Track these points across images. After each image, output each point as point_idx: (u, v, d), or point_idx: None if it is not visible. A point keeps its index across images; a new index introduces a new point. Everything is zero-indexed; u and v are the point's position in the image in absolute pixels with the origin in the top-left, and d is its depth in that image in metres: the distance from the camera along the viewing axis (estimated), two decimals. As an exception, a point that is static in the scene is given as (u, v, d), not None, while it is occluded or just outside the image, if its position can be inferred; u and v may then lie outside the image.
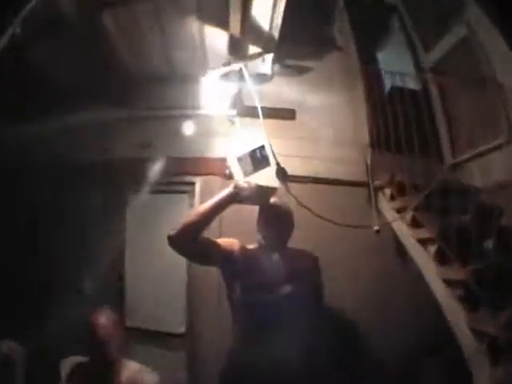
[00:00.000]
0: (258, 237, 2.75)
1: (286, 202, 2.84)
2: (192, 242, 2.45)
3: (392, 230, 3.85)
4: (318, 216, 2.74)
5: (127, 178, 3.93)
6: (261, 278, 2.57)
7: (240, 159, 2.75)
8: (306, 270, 2.69)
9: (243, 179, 2.68)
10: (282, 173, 2.69)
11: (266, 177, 2.72)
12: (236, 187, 2.60)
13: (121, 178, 3.92)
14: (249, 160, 2.74)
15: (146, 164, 3.90)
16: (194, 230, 2.45)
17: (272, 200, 2.78)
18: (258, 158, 2.74)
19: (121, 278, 3.91)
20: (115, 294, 3.83)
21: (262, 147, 2.74)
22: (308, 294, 2.64)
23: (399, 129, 3.95)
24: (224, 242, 2.67)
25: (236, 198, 2.59)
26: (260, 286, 2.54)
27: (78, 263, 3.66)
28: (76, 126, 3.82)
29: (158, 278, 3.88)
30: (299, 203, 2.69)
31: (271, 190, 2.73)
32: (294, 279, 2.60)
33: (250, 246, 2.74)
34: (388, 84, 4.48)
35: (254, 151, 2.75)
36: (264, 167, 2.72)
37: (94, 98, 3.84)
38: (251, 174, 2.71)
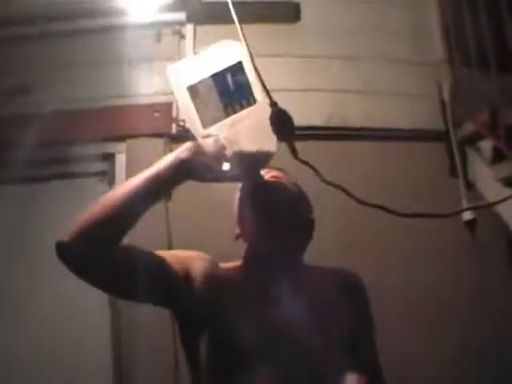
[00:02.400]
0: (247, 246, 1.88)
1: (293, 178, 1.90)
2: (104, 251, 1.61)
3: (497, 219, 2.78)
4: (360, 202, 1.59)
5: None
6: (252, 323, 1.72)
7: (195, 92, 1.71)
8: (340, 304, 1.81)
9: (204, 132, 1.68)
10: (281, 122, 1.60)
11: (250, 130, 1.69)
12: (191, 147, 1.66)
13: None
14: (213, 92, 1.69)
15: (17, 125, 2.82)
16: (106, 231, 1.60)
17: (265, 174, 1.85)
18: (230, 89, 1.65)
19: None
20: None
21: (238, 66, 1.67)
22: (344, 349, 1.77)
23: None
24: (179, 256, 1.80)
25: (191, 168, 1.64)
26: (252, 341, 1.69)
27: None
28: None
29: (47, 337, 2.83)
30: (324, 180, 1.58)
31: (263, 157, 1.73)
32: (318, 324, 1.73)
33: (229, 265, 1.85)
34: None
35: (221, 74, 1.67)
36: (244, 106, 1.67)
37: None
38: (220, 120, 1.68)
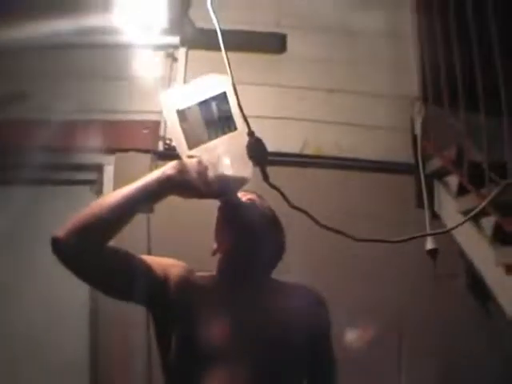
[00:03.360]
0: (219, 257, 2.00)
1: (267, 203, 2.02)
2: (93, 250, 1.74)
3: (460, 250, 2.90)
4: (321, 226, 1.69)
5: None
6: (219, 327, 1.85)
7: (183, 116, 1.83)
8: (302, 320, 1.93)
9: (189, 153, 1.83)
10: (256, 150, 1.75)
11: (230, 155, 1.83)
12: (177, 165, 1.77)
13: None
14: (199, 118, 1.81)
15: (8, 131, 2.91)
16: (97, 231, 1.74)
17: (242, 196, 1.99)
18: (215, 116, 1.79)
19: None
20: None
21: (223, 96, 1.81)
22: (302, 356, 1.92)
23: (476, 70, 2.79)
24: (159, 261, 1.93)
25: (176, 184, 1.77)
26: (221, 347, 1.81)
27: None
28: None
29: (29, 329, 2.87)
30: (291, 205, 1.70)
31: (239, 181, 1.87)
32: (281, 337, 1.87)
33: (204, 274, 2.00)
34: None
35: (207, 102, 1.81)
36: (225, 132, 1.81)
37: None
38: (203, 143, 1.82)
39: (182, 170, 1.79)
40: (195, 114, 1.83)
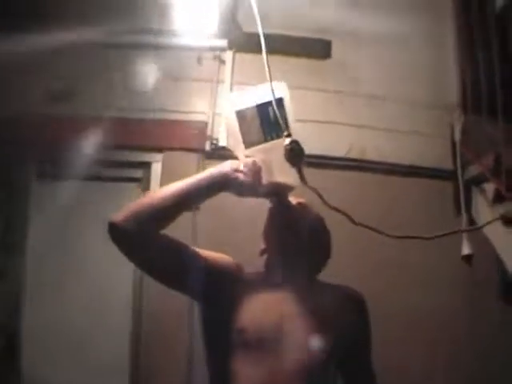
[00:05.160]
0: (267, 256, 2.08)
1: (313, 208, 2.08)
2: (148, 236, 1.86)
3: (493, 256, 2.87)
4: (361, 225, 1.79)
5: (28, 151, 3.00)
6: (268, 328, 1.91)
7: (242, 116, 1.91)
8: (342, 315, 2.01)
9: (245, 152, 1.92)
10: (294, 153, 1.82)
11: (282, 158, 1.85)
12: (233, 164, 1.89)
13: (17, 151, 2.98)
14: (256, 120, 1.89)
15: (60, 127, 2.97)
16: (152, 219, 1.86)
17: (293, 199, 2.06)
18: (271, 119, 1.87)
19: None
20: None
21: (279, 101, 1.89)
22: (345, 362, 2.00)
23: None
24: (211, 255, 2.00)
25: (230, 182, 1.88)
26: (265, 342, 1.87)
27: None
28: None
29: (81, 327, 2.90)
30: (330, 206, 1.76)
31: (288, 186, 1.97)
32: (323, 335, 1.91)
33: (252, 271, 2.07)
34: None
35: (264, 106, 1.89)
36: (280, 136, 1.86)
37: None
38: (259, 144, 1.91)
39: (237, 169, 1.90)
40: (253, 115, 1.92)
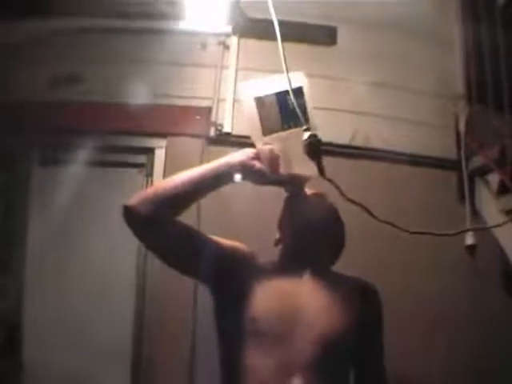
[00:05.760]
0: (281, 246, 2.09)
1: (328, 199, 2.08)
2: (162, 220, 1.87)
3: (496, 247, 2.83)
4: (379, 220, 1.79)
5: (30, 137, 2.94)
6: (281, 316, 1.92)
7: (261, 103, 1.89)
8: (356, 306, 2.02)
9: (264, 139, 1.90)
10: (313, 147, 1.79)
11: (299, 147, 1.81)
12: (250, 152, 1.88)
13: (19, 137, 2.94)
14: (275, 107, 1.88)
15: (62, 113, 2.90)
16: (167, 204, 1.87)
17: (308, 190, 2.06)
18: (289, 107, 1.85)
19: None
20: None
21: (299, 91, 1.88)
22: (357, 353, 2.01)
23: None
24: (224, 242, 2.02)
25: (246, 169, 1.87)
26: (278, 331, 1.89)
27: None
28: None
29: (82, 318, 2.84)
30: (347, 198, 1.75)
31: (305, 177, 1.97)
32: (333, 318, 1.94)
33: (265, 260, 2.07)
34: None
35: (283, 94, 1.88)
36: (298, 125, 1.84)
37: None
38: (277, 132, 1.90)
39: (254, 157, 1.88)
40: (272, 102, 1.90)
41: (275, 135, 1.89)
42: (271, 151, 1.86)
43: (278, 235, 2.08)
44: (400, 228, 1.76)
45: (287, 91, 1.82)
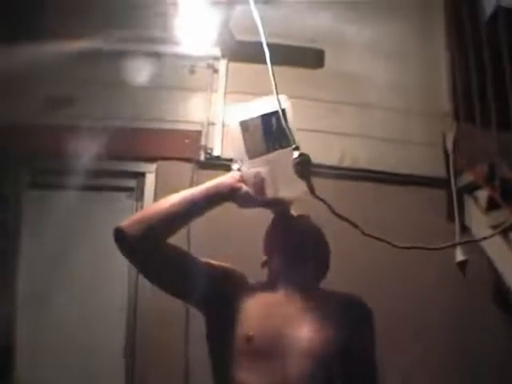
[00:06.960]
0: (269, 267, 2.09)
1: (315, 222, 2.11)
2: (154, 243, 1.88)
3: (488, 262, 2.89)
4: (369, 236, 1.77)
5: (21, 160, 2.98)
6: (272, 337, 1.91)
7: (245, 126, 1.91)
8: (348, 330, 1.97)
9: (248, 162, 1.91)
10: (303, 166, 1.80)
11: (285, 169, 1.83)
12: (236, 176, 1.91)
13: (11, 160, 2.98)
14: (260, 130, 1.89)
15: (53, 137, 2.93)
16: (157, 226, 1.88)
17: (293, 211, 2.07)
18: (273, 130, 1.88)
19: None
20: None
21: (282, 113, 1.88)
22: (349, 369, 1.93)
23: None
24: (215, 264, 2.03)
25: (233, 193, 1.90)
26: (269, 351, 1.88)
27: None
28: None
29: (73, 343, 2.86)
30: (340, 217, 1.75)
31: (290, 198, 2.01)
32: (326, 345, 1.90)
33: (255, 282, 2.08)
34: (489, 5, 3.26)
35: (267, 117, 1.90)
36: (283, 147, 1.87)
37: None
38: (262, 154, 1.90)
39: (241, 180, 1.91)
40: (256, 125, 1.92)
41: (260, 158, 1.90)
42: (256, 175, 1.88)
43: (264, 257, 2.11)
44: (389, 243, 1.76)
45: (271, 113, 1.84)
